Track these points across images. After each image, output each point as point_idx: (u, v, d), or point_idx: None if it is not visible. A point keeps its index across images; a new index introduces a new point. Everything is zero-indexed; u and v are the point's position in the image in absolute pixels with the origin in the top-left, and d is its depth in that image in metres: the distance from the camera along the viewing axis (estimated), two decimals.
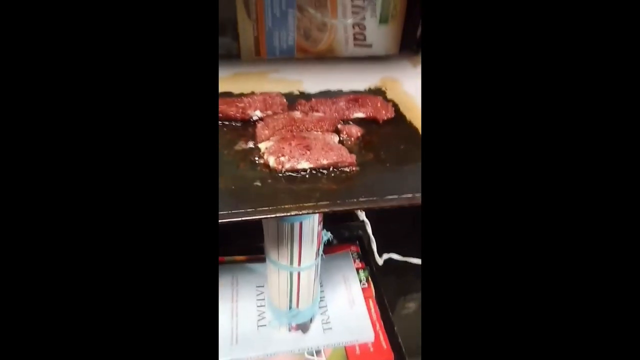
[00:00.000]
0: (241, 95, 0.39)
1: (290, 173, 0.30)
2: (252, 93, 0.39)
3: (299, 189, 0.30)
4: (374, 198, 0.29)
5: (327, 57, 0.46)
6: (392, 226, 0.65)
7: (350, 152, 0.32)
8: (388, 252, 0.63)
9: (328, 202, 0.28)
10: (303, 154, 0.30)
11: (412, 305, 0.62)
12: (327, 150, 0.31)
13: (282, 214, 0.28)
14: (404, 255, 0.63)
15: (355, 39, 0.45)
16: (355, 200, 0.29)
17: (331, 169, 0.31)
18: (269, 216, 0.28)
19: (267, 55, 0.45)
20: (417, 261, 0.63)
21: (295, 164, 0.30)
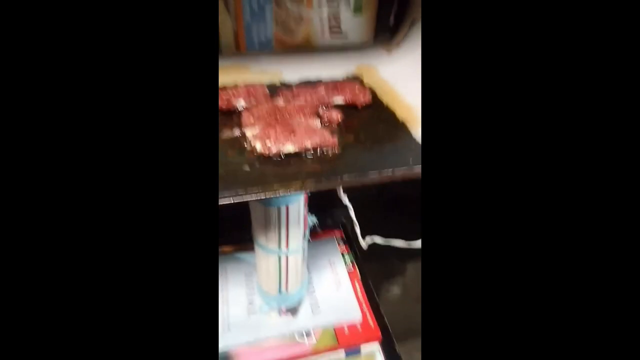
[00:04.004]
0: (224, 88, 0.40)
1: (276, 157, 0.32)
2: (235, 85, 0.40)
3: (285, 170, 0.31)
4: (355, 174, 0.31)
5: (305, 48, 0.48)
6: (374, 211, 0.67)
7: (332, 135, 0.34)
8: (370, 235, 0.65)
9: (313, 180, 0.30)
10: (288, 138, 0.32)
11: (395, 287, 0.64)
12: (310, 134, 0.33)
13: (272, 194, 0.30)
14: (386, 238, 0.66)
15: (330, 29, 0.47)
16: (339, 177, 0.31)
17: (315, 150, 0.33)
18: (259, 197, 0.29)
19: (246, 49, 0.46)
20: (399, 243, 0.65)
21: (281, 147, 0.32)
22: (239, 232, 0.60)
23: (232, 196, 0.29)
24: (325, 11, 0.45)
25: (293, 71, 0.43)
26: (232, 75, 0.42)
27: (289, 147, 0.32)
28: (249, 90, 0.38)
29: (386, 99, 0.40)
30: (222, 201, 0.29)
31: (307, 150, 0.32)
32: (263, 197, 0.30)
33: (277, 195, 0.30)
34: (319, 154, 0.33)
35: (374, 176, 0.32)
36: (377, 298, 0.59)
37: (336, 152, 0.33)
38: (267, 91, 0.39)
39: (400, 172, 0.32)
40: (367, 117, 0.38)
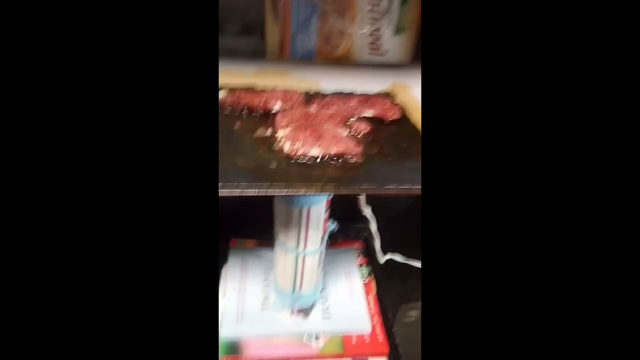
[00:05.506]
0: (264, 89, 0.43)
1: (302, 159, 0.34)
2: (274, 89, 0.43)
3: (308, 172, 0.33)
4: (375, 185, 0.33)
5: (344, 62, 0.50)
6: (400, 230, 0.68)
7: (357, 145, 0.36)
8: (392, 253, 0.66)
9: (334, 185, 0.32)
10: (315, 143, 0.34)
11: (410, 306, 0.64)
12: (336, 141, 0.34)
13: (293, 192, 0.32)
14: (407, 258, 0.66)
15: (371, 46, 0.49)
16: (357, 186, 0.33)
17: (338, 158, 0.35)
18: (281, 192, 0.31)
19: (289, 56, 0.49)
20: (419, 264, 0.65)
21: (307, 150, 0.34)
22: (259, 230, 0.63)
23: (258, 188, 0.31)
24: (367, 29, 0.47)
25: (330, 82, 0.46)
26: (272, 79, 0.45)
27: (315, 151, 0.34)
28: (286, 95, 0.40)
29: (415, 117, 0.42)
30: (248, 193, 0.31)
31: (331, 156, 0.34)
32: (285, 194, 0.32)
33: (299, 194, 0.32)
34: (342, 161, 0.35)
35: (391, 190, 0.33)
36: (389, 315, 0.59)
37: (359, 161, 0.35)
38: (303, 97, 0.41)
39: (418, 189, 0.33)
40: (394, 132, 0.40)
